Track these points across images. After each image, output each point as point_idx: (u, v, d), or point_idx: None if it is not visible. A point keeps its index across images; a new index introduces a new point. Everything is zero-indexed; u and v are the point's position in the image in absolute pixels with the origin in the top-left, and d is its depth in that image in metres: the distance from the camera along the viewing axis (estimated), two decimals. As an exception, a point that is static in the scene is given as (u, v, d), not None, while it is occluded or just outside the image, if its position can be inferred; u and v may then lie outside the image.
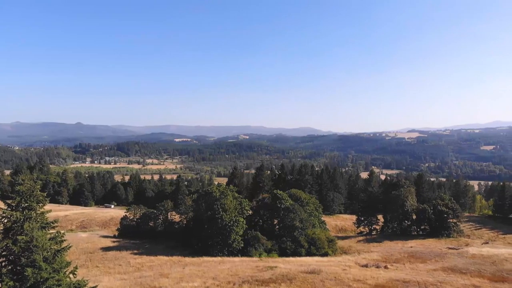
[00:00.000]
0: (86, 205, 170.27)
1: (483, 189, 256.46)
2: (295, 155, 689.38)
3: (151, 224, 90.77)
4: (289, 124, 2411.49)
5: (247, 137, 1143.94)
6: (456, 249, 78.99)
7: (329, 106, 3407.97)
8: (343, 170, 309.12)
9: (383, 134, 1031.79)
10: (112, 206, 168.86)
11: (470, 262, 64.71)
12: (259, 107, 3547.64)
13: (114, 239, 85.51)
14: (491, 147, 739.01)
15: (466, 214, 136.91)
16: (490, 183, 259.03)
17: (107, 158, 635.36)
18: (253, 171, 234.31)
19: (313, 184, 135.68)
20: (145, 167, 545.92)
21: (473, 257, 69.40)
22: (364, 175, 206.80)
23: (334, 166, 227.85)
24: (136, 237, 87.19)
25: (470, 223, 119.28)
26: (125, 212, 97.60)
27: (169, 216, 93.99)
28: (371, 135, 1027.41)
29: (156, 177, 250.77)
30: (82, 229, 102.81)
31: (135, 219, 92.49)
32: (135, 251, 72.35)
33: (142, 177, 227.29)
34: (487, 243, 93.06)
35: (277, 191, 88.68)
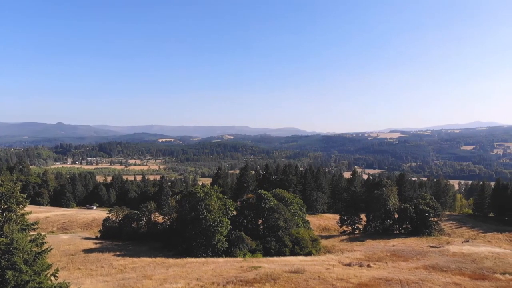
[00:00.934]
0: (67, 206, 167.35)
1: (463, 188, 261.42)
2: (280, 155, 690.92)
3: (134, 226, 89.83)
4: (273, 125, 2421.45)
5: (232, 137, 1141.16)
6: (437, 248, 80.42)
7: (313, 107, 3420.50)
8: (327, 170, 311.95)
9: (366, 135, 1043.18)
10: (94, 208, 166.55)
11: (451, 260, 65.99)
12: (244, 108, 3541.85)
13: (96, 241, 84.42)
14: (471, 147, 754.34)
15: (447, 213, 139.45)
16: (470, 182, 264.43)
17: (88, 159, 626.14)
18: (237, 171, 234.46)
19: (297, 184, 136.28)
20: (128, 168, 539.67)
21: (454, 255, 70.80)
22: (347, 174, 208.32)
23: (317, 166, 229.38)
24: (119, 238, 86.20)
25: (451, 222, 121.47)
26: (107, 213, 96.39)
27: (152, 217, 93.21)
28: (354, 135, 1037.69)
29: (139, 178, 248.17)
30: (64, 231, 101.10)
31: (118, 221, 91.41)
32: (118, 253, 71.58)
33: (124, 178, 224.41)
34: (468, 241, 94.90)
35: (262, 191, 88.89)
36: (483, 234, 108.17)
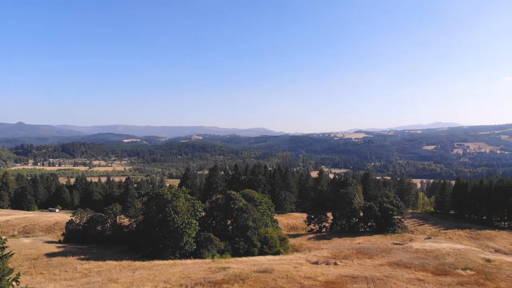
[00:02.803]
0: (28, 209, 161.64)
1: (425, 187, 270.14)
2: (249, 155, 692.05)
3: (98, 228, 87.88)
4: (242, 125, 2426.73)
5: (201, 137, 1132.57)
6: (401, 245, 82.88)
7: (281, 108, 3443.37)
8: (295, 169, 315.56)
9: (332, 135, 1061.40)
10: (57, 210, 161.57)
11: (414, 257, 68.18)
12: (213, 108, 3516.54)
13: (60, 245, 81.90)
14: (432, 147, 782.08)
15: (410, 210, 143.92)
16: (431, 181, 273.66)
17: (51, 160, 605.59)
18: (206, 172, 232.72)
19: (266, 184, 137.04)
20: (92, 169, 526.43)
21: (417, 252, 73.18)
22: (314, 174, 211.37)
23: (286, 166, 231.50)
24: (83, 242, 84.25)
25: (414, 219, 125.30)
26: (70, 216, 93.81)
27: (118, 219, 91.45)
28: (321, 135, 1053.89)
29: (103, 179, 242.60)
30: (25, 235, 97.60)
31: (82, 223, 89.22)
32: (82, 257, 69.76)
33: (88, 179, 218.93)
34: (430, 238, 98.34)
35: (231, 191, 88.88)
36: (445, 231, 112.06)
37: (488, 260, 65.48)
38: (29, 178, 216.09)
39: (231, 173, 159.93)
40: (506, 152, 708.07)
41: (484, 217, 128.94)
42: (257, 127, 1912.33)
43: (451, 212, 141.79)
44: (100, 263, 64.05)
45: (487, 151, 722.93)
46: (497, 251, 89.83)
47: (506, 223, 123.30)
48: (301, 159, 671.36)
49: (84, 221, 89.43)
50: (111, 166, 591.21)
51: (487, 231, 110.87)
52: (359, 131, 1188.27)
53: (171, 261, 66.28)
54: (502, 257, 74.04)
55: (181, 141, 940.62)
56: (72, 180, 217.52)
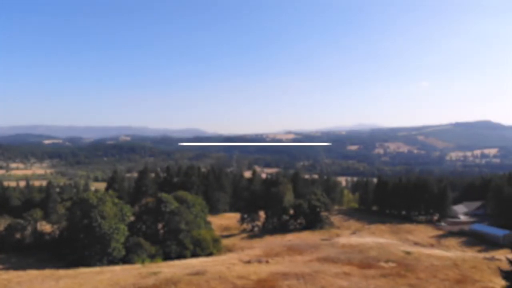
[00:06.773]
0: None
1: (349, 185, 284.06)
2: (182, 157, 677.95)
3: (17, 236, 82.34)
4: (175, 125, 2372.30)
5: (129, 138, 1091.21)
6: (328, 240, 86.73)
7: (214, 108, 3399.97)
8: (229, 170, 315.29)
9: (264, 136, 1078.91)
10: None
11: (341, 252, 71.72)
12: (142, 107, 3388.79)
13: (-29, 256, 75.15)
14: (356, 146, 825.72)
15: (336, 207, 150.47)
16: (355, 179, 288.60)
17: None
18: (135, 174, 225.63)
19: (200, 186, 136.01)
20: (9, 173, 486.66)
21: (343, 247, 77.04)
22: (247, 174, 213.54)
23: (220, 167, 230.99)
24: (1, 251, 78.32)
25: (340, 216, 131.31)
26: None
27: (39, 226, 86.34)
28: (254, 136, 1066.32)
29: (22, 183, 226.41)
30: None
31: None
32: (0, 267, 64.77)
33: (5, 183, 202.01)
34: (355, 233, 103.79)
35: (162, 194, 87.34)
36: (368, 226, 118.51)
37: (408, 253, 70.75)
38: None
39: (162, 175, 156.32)
40: (422, 152, 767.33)
41: (404, 212, 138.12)
42: (191, 128, 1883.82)
43: (373, 208, 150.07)
44: (21, 273, 59.89)
45: (406, 151, 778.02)
46: (416, 243, 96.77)
47: (423, 217, 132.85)
48: (235, 160, 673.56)
49: (1, 228, 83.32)
50: (31, 169, 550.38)
51: (407, 225, 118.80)
52: (289, 132, 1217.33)
53: (98, 269, 63.64)
54: (421, 249, 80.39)
55: (108, 142, 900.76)
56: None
